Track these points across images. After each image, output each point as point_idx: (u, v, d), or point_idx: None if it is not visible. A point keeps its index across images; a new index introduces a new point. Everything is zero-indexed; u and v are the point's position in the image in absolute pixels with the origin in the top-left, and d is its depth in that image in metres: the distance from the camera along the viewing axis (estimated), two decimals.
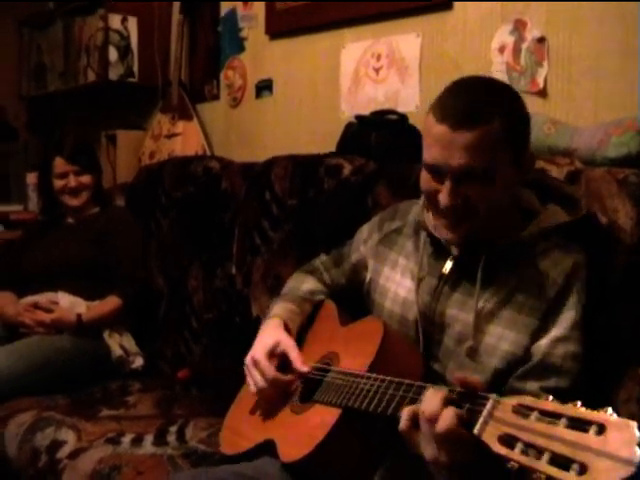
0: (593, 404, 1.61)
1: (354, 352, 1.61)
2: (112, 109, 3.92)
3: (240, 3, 3.24)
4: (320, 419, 1.52)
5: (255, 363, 1.73)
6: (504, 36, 2.30)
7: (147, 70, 3.62)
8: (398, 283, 1.73)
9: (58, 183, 2.96)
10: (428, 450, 1.24)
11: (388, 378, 1.42)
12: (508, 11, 2.30)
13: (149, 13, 3.61)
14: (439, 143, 1.50)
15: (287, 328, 1.81)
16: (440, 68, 2.49)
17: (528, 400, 1.08)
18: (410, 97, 2.61)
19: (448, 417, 1.20)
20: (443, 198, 1.51)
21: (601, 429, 0.96)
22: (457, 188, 1.49)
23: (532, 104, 2.22)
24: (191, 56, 3.55)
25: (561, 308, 1.51)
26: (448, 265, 1.64)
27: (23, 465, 2.19)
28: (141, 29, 3.62)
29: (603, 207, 1.70)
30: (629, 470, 0.92)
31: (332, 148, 2.59)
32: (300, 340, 1.83)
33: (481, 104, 1.50)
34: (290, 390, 1.71)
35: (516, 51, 2.28)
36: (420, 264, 1.68)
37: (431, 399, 1.25)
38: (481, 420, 1.13)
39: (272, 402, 1.75)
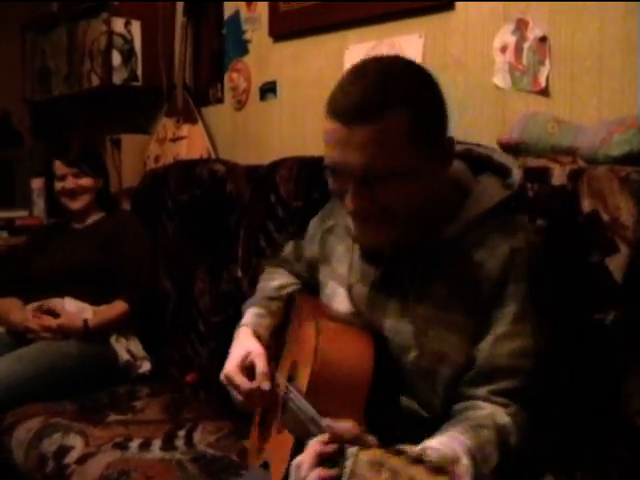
0: (598, 400, 1.62)
1: (302, 365, 1.54)
2: (116, 113, 3.93)
3: (244, 5, 3.24)
4: (283, 444, 1.49)
5: (228, 380, 1.65)
6: (506, 35, 2.30)
7: (151, 74, 3.62)
8: (337, 288, 1.62)
9: (58, 185, 3.00)
10: None
11: (307, 413, 1.38)
12: (510, 11, 2.29)
13: (152, 16, 3.61)
14: (335, 143, 1.34)
15: (257, 335, 1.74)
16: (443, 68, 2.48)
17: (378, 455, 1.04)
18: None
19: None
20: (349, 202, 1.36)
21: None
22: (362, 190, 1.34)
23: (535, 103, 2.23)
24: (195, 59, 3.55)
25: (500, 303, 1.40)
26: (378, 271, 1.52)
27: (30, 471, 2.20)
28: (145, 32, 3.62)
29: (605, 205, 1.69)
30: None
31: None
32: (280, 342, 1.79)
33: (377, 94, 1.32)
34: (277, 399, 1.65)
35: (518, 50, 2.27)
36: (350, 269, 1.58)
37: (308, 453, 1.23)
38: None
39: (267, 416, 1.72)
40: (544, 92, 2.22)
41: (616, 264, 1.66)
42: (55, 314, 2.72)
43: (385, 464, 1.02)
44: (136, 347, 2.80)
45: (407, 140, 1.32)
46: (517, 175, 1.51)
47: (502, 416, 1.37)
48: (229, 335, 2.66)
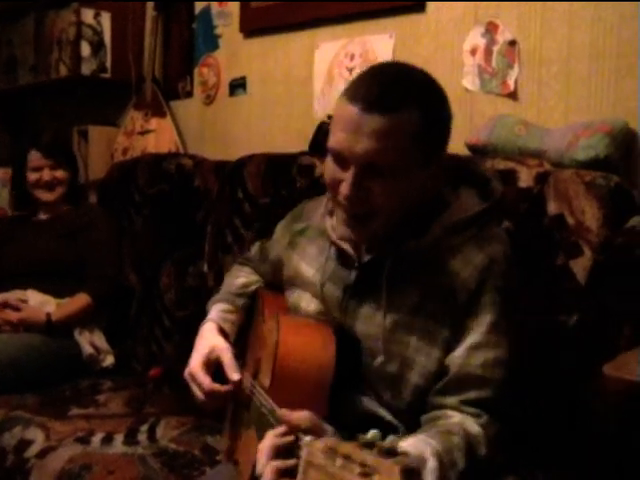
0: (560, 402, 1.64)
1: (265, 361, 1.53)
2: (84, 104, 3.89)
3: (215, 1, 3.23)
4: (249, 444, 1.49)
5: (192, 377, 1.64)
6: (476, 38, 2.32)
7: (120, 66, 3.59)
8: (304, 292, 1.62)
9: (32, 176, 2.95)
10: None
11: (267, 405, 1.39)
12: (480, 14, 2.31)
13: (123, 8, 3.59)
14: (347, 126, 1.36)
15: (222, 330, 1.73)
16: None
17: (330, 442, 1.04)
18: None
19: (268, 474, 1.21)
20: (344, 187, 1.38)
21: (377, 475, 0.95)
22: (360, 179, 1.37)
23: (503, 106, 2.25)
24: (165, 53, 3.54)
25: (475, 312, 1.40)
26: (352, 275, 1.52)
27: None
28: (114, 24, 3.59)
29: (571, 208, 1.72)
30: None
31: (305, 147, 2.59)
32: (244, 338, 1.79)
33: (397, 90, 1.37)
34: (244, 396, 1.63)
35: (488, 53, 2.29)
36: (322, 270, 1.57)
37: (264, 446, 1.24)
38: (301, 470, 1.10)
39: (236, 416, 1.71)
40: (512, 95, 2.25)
41: (580, 267, 1.68)
42: (17, 309, 2.68)
43: (338, 450, 1.01)
44: (100, 340, 2.78)
45: (413, 140, 1.35)
46: (497, 187, 1.53)
47: (473, 425, 1.36)
48: (194, 330, 2.64)
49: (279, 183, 2.47)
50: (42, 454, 2.06)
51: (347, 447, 1.01)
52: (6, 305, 2.69)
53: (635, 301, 1.57)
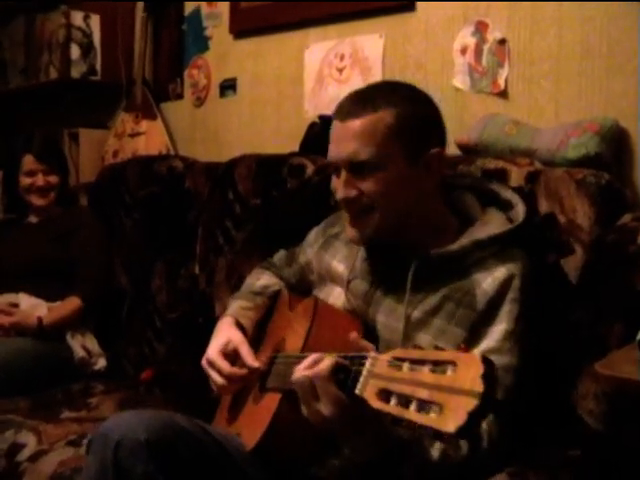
0: (552, 401, 1.64)
1: (294, 333, 1.63)
2: (75, 107, 3.87)
3: (205, 2, 3.23)
4: (267, 405, 1.56)
5: (210, 363, 1.74)
6: (466, 37, 2.32)
7: (110, 68, 3.57)
8: (334, 286, 1.74)
9: (25, 181, 2.93)
10: (305, 405, 1.31)
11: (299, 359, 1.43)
12: (470, 13, 2.31)
13: (112, 10, 3.57)
14: (333, 139, 1.57)
15: (239, 325, 1.82)
16: (403, 68, 2.49)
17: (399, 352, 1.10)
18: None
19: (324, 365, 1.26)
20: (339, 191, 1.56)
21: (454, 367, 0.97)
22: (351, 180, 1.53)
23: (494, 105, 2.25)
24: (155, 55, 3.52)
25: (492, 320, 1.49)
26: (380, 271, 1.63)
27: None
28: (104, 27, 3.57)
29: (562, 207, 1.72)
30: (474, 402, 0.93)
31: (296, 148, 2.59)
32: (260, 334, 1.85)
33: (370, 96, 1.56)
34: (253, 383, 1.72)
35: (478, 52, 2.29)
36: (351, 268, 1.68)
37: (324, 359, 1.29)
38: (362, 380, 1.16)
39: (239, 398, 1.77)
40: (503, 94, 2.25)
41: (571, 265, 1.68)
42: (9, 314, 2.67)
43: (406, 356, 1.07)
44: (92, 343, 2.77)
45: (390, 134, 1.51)
46: (521, 211, 1.62)
47: None
48: (185, 332, 2.67)
49: (270, 184, 2.47)
50: (34, 458, 2.05)
51: (416, 352, 1.07)
52: None
53: (626, 299, 1.57)
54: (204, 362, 1.76)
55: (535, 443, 1.59)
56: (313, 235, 1.93)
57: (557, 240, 1.71)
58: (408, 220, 1.58)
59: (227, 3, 3.10)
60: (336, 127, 1.57)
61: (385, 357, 1.12)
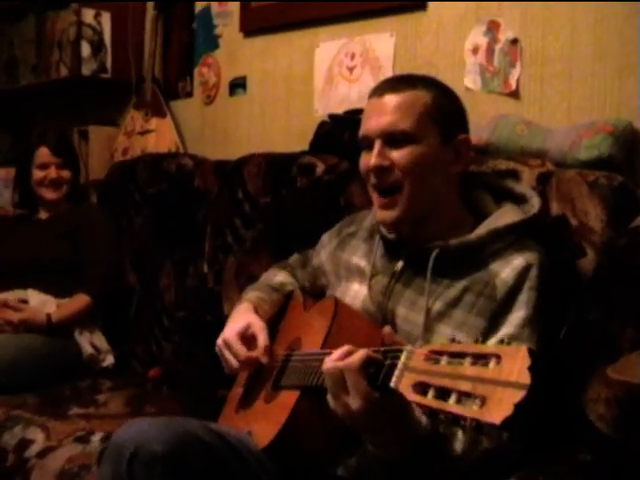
0: (562, 404, 1.63)
1: (312, 332, 1.63)
2: (85, 104, 3.88)
3: (215, 1, 3.22)
4: (283, 403, 1.55)
5: (227, 345, 1.73)
6: (478, 37, 2.31)
7: (120, 66, 3.58)
8: (352, 283, 1.74)
9: (38, 174, 2.94)
10: (334, 398, 1.30)
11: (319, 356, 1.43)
12: (482, 12, 2.31)
13: (123, 8, 3.57)
14: (369, 114, 1.61)
15: (257, 312, 1.82)
16: (414, 68, 2.49)
17: (437, 346, 1.10)
18: None
19: (356, 357, 1.25)
20: (371, 160, 1.57)
21: (498, 360, 0.97)
22: (385, 150, 1.56)
23: (505, 105, 2.25)
24: (165, 53, 3.52)
25: (511, 308, 1.51)
26: (400, 264, 1.64)
27: None
28: (114, 24, 3.57)
29: (573, 209, 1.71)
30: (521, 394, 0.93)
31: (305, 147, 2.59)
32: (272, 332, 1.83)
33: (407, 78, 1.66)
34: (265, 376, 1.72)
35: (489, 52, 2.29)
36: (372, 264, 1.70)
37: (357, 351, 1.28)
38: (397, 373, 1.15)
39: (249, 396, 1.76)
40: (514, 94, 2.24)
41: (583, 267, 1.68)
42: (18, 310, 2.67)
43: (444, 350, 1.07)
44: (100, 340, 2.77)
45: (425, 112, 1.57)
46: (536, 203, 1.64)
47: None
48: (193, 330, 2.67)
49: (279, 183, 2.47)
50: (42, 454, 2.05)
51: (455, 345, 1.06)
52: (7, 306, 2.68)
53: (639, 302, 1.56)
54: (220, 342, 1.75)
55: (544, 447, 1.59)
56: (326, 237, 1.94)
57: (569, 242, 1.70)
58: (432, 207, 1.61)
59: (237, 2, 3.09)
60: (372, 103, 1.62)
61: (422, 351, 1.12)
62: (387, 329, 1.36)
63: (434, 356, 1.08)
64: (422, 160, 1.56)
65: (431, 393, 1.04)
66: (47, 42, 3.83)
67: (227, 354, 1.73)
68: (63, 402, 2.39)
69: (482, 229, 1.58)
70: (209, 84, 3.28)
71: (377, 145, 1.57)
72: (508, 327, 1.49)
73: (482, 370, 0.99)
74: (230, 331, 1.75)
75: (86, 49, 3.53)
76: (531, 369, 0.94)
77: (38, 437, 2.12)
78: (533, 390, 0.93)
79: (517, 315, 1.50)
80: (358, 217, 1.90)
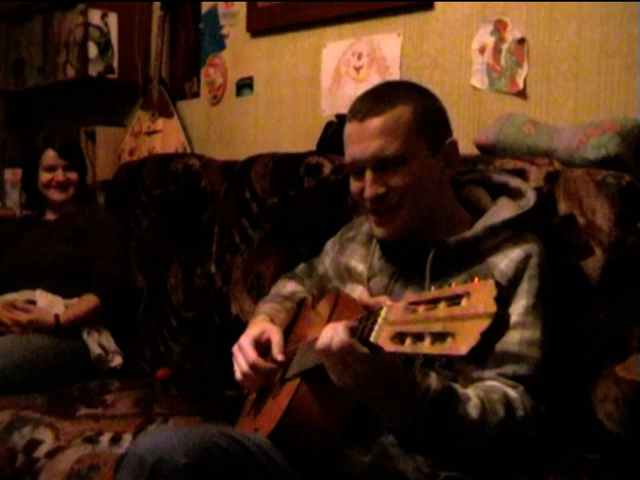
0: (571, 403, 1.63)
1: (315, 324, 1.63)
2: (91, 105, 3.89)
3: (221, 1, 3.23)
4: (286, 392, 1.56)
5: (240, 348, 1.73)
6: (484, 37, 2.31)
7: (127, 67, 3.58)
8: (354, 285, 1.74)
9: (45, 176, 2.95)
10: (335, 373, 1.31)
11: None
12: (488, 12, 2.31)
13: (129, 9, 3.58)
14: (352, 140, 1.59)
15: (272, 322, 1.83)
16: (420, 68, 2.49)
17: (414, 296, 1.10)
18: None
19: (339, 332, 1.26)
20: (366, 191, 1.57)
21: (468, 297, 0.97)
22: (378, 177, 1.56)
23: (512, 104, 2.24)
24: (172, 53, 3.53)
25: (512, 297, 1.51)
26: (398, 265, 1.66)
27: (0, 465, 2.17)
28: (121, 25, 3.58)
29: (581, 208, 1.71)
30: (487, 322, 0.93)
31: (313, 147, 2.59)
32: (287, 336, 1.83)
33: (383, 95, 1.59)
34: (274, 380, 1.72)
35: (496, 52, 2.28)
36: (370, 266, 1.71)
37: (334, 326, 1.30)
38: (376, 328, 1.16)
39: (261, 398, 1.76)
40: (521, 94, 2.24)
41: (591, 267, 1.67)
42: (27, 311, 2.68)
43: (420, 298, 1.08)
44: (108, 341, 2.78)
45: (411, 129, 1.55)
46: (531, 197, 1.65)
47: (511, 391, 1.45)
48: (201, 331, 2.67)
49: (286, 183, 2.47)
50: (51, 454, 2.05)
51: (431, 292, 1.07)
52: (15, 307, 2.69)
53: None
54: (235, 347, 1.76)
55: (554, 446, 1.59)
56: (330, 244, 1.96)
57: (576, 242, 1.70)
58: (429, 214, 1.62)
59: (244, 2, 3.10)
60: (354, 128, 1.60)
61: (400, 304, 1.13)
62: (360, 296, 1.38)
63: (412, 307, 1.09)
64: (417, 179, 1.56)
65: (408, 341, 1.05)
66: (54, 43, 3.84)
67: (239, 358, 1.73)
68: (72, 403, 2.39)
69: (479, 226, 1.59)
70: (216, 84, 3.28)
71: (369, 174, 1.57)
72: (512, 316, 1.46)
73: (454, 309, 0.99)
74: (245, 337, 1.76)
75: (93, 50, 3.54)
76: (498, 298, 0.94)
77: (47, 437, 2.13)
78: (500, 318, 0.92)
79: (519, 304, 1.51)
80: (357, 221, 1.91)
